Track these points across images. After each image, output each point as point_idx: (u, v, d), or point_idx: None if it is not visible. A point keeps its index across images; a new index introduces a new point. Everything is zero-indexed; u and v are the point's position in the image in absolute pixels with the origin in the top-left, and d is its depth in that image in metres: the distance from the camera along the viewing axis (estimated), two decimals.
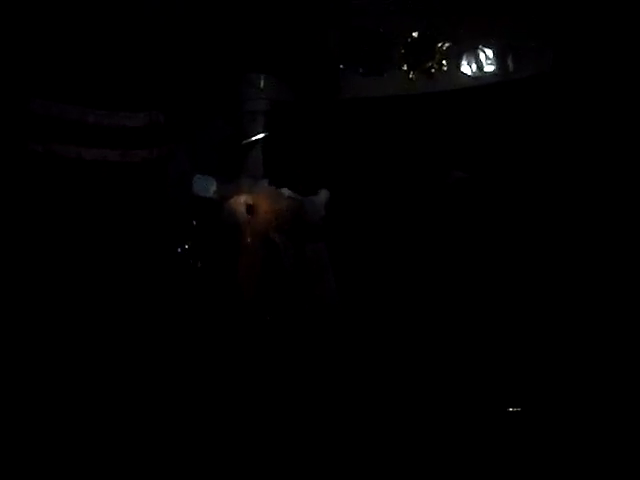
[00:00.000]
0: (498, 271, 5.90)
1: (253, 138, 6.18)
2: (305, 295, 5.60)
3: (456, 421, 4.91)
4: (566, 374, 5.20)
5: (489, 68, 6.24)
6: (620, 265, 5.66)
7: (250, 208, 5.80)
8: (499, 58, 6.21)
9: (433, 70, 6.28)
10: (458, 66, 6.29)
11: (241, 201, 5.85)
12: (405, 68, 6.33)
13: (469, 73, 6.28)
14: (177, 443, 4.78)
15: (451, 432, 4.82)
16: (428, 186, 5.76)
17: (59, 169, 6.06)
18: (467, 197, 5.65)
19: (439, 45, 6.25)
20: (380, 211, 6.25)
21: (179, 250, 5.93)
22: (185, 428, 4.86)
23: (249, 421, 4.92)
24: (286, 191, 5.79)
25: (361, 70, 6.41)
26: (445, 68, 6.28)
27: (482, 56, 6.23)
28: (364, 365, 5.58)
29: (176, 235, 5.98)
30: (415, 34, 6.27)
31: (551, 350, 5.44)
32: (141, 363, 5.45)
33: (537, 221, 6.05)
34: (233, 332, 5.46)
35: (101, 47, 6.10)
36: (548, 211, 6.00)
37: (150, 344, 5.60)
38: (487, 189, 6.15)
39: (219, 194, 5.90)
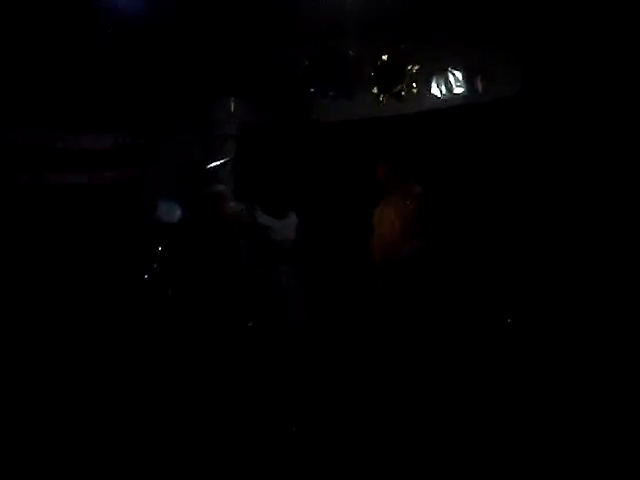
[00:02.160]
0: (458, 288, 5.90)
1: (215, 163, 6.19)
2: (276, 315, 5.59)
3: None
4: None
5: (458, 90, 6.27)
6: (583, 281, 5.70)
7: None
8: (468, 80, 6.23)
9: (403, 93, 6.30)
10: (428, 88, 6.33)
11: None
12: (375, 91, 6.35)
13: (439, 95, 6.31)
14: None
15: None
16: (398, 207, 5.73)
17: (27, 195, 6.05)
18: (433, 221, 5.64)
19: (408, 68, 6.27)
20: (350, 231, 6.26)
21: (146, 276, 5.92)
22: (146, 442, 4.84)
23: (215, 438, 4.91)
24: (258, 214, 5.78)
25: (331, 93, 6.42)
26: (415, 90, 6.31)
27: (451, 78, 6.25)
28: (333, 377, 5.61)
29: (143, 260, 5.97)
30: (385, 57, 6.29)
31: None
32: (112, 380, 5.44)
33: (501, 237, 6.08)
34: (200, 349, 5.47)
35: (67, 73, 6.11)
36: (514, 227, 6.03)
37: (117, 365, 5.58)
38: (457, 208, 6.15)
39: (196, 217, 5.92)
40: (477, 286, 6.06)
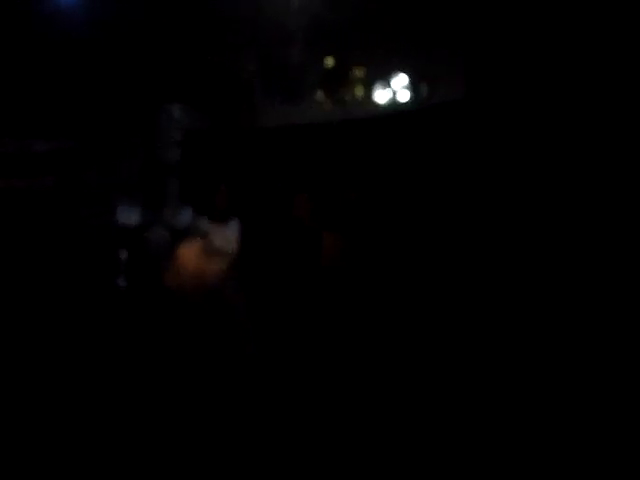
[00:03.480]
0: (406, 301, 5.88)
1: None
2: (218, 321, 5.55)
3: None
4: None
5: (403, 95, 6.27)
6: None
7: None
8: (412, 85, 6.24)
9: (347, 97, 6.30)
10: (373, 93, 6.33)
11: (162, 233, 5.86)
12: (320, 96, 6.34)
13: (384, 100, 6.31)
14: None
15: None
16: (343, 213, 5.73)
17: None
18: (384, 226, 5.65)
19: (353, 73, 6.27)
20: (294, 238, 6.21)
21: (118, 282, 5.86)
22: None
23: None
24: (200, 221, 5.74)
25: (276, 98, 6.41)
26: (360, 96, 6.31)
27: (396, 83, 6.26)
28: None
29: (106, 264, 5.92)
30: (330, 62, 6.29)
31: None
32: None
33: (449, 244, 6.06)
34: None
35: (7, 76, 6.06)
36: (463, 232, 6.01)
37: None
38: (402, 213, 6.13)
39: (142, 223, 5.87)
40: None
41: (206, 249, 5.61)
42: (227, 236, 5.74)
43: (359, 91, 6.28)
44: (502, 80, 6.04)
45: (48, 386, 5.32)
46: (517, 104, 5.99)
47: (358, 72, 6.26)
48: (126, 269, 5.94)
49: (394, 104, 6.24)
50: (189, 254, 5.69)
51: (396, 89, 6.22)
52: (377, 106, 6.29)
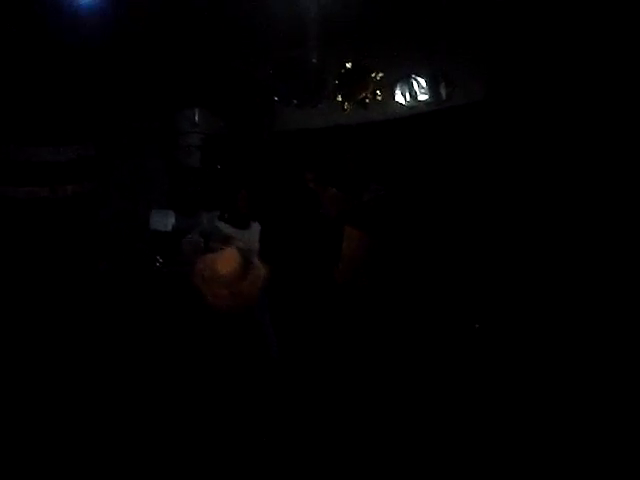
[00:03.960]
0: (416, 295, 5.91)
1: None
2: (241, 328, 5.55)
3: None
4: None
5: (423, 97, 6.28)
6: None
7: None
8: (432, 87, 6.25)
9: (367, 100, 6.30)
10: (392, 95, 6.33)
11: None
12: (339, 99, 6.34)
13: (403, 102, 6.32)
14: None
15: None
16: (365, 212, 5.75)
17: None
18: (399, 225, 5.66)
19: (372, 75, 6.27)
20: (314, 241, 6.23)
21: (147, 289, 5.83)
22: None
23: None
24: (222, 225, 5.72)
25: (295, 102, 6.39)
26: (379, 98, 6.31)
27: (415, 85, 6.27)
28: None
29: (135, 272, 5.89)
30: (348, 65, 6.28)
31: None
32: None
33: (468, 243, 6.11)
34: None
35: (25, 84, 6.01)
36: (481, 235, 6.06)
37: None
38: (422, 216, 6.16)
39: (178, 228, 5.82)
40: (444, 290, 6.08)
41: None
42: (249, 240, 5.73)
43: (378, 93, 6.28)
44: (523, 81, 6.11)
45: (68, 389, 5.34)
46: (538, 106, 6.06)
47: (377, 74, 6.26)
48: (157, 277, 5.92)
49: (414, 106, 6.26)
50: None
51: (415, 91, 6.25)
52: (397, 108, 6.30)
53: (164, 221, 5.97)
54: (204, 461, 4.75)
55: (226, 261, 5.15)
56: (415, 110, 6.32)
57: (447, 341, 5.79)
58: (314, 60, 6.33)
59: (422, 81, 6.26)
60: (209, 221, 5.78)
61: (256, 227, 5.93)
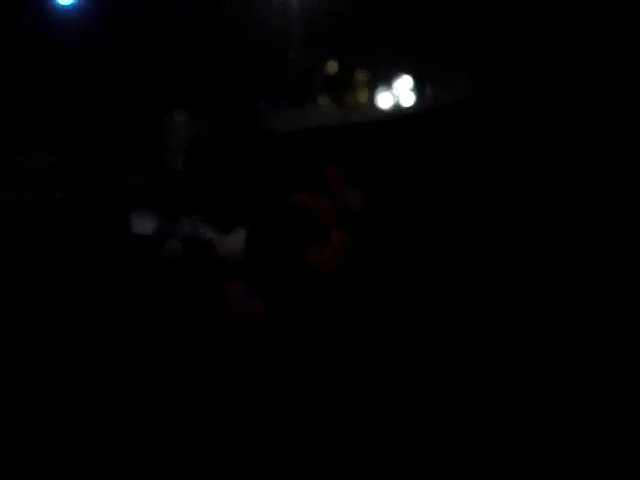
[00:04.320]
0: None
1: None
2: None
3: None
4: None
5: (407, 98, 6.28)
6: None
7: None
8: (417, 87, 6.25)
9: (351, 101, 6.30)
10: (376, 96, 6.33)
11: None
12: (324, 100, 6.33)
13: (388, 103, 6.31)
14: None
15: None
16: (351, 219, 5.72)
17: None
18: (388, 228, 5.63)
19: (357, 76, 6.27)
20: (300, 244, 6.22)
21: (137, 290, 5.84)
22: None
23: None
24: (204, 230, 5.75)
25: (280, 103, 6.39)
26: (364, 99, 6.30)
27: (400, 86, 6.26)
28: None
29: (117, 278, 5.90)
30: (333, 66, 6.28)
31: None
32: None
33: (457, 248, 6.08)
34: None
35: (11, 86, 6.02)
36: (468, 236, 6.03)
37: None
38: (409, 215, 6.14)
39: (159, 232, 5.84)
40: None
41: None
42: (233, 245, 5.74)
43: (363, 95, 6.28)
44: (509, 81, 6.08)
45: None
46: (525, 105, 6.03)
47: (361, 75, 6.26)
48: (139, 283, 5.92)
49: (398, 107, 6.26)
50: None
51: (400, 92, 6.24)
52: (381, 109, 6.30)
53: (145, 225, 5.99)
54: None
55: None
56: (400, 111, 6.31)
57: (440, 345, 5.78)
58: (299, 61, 6.33)
59: (407, 81, 6.25)
60: (191, 225, 5.79)
61: (241, 231, 5.94)
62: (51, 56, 5.96)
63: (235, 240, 5.74)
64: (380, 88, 6.30)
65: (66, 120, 6.18)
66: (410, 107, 6.30)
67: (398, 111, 6.33)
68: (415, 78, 6.26)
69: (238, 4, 6.00)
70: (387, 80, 6.30)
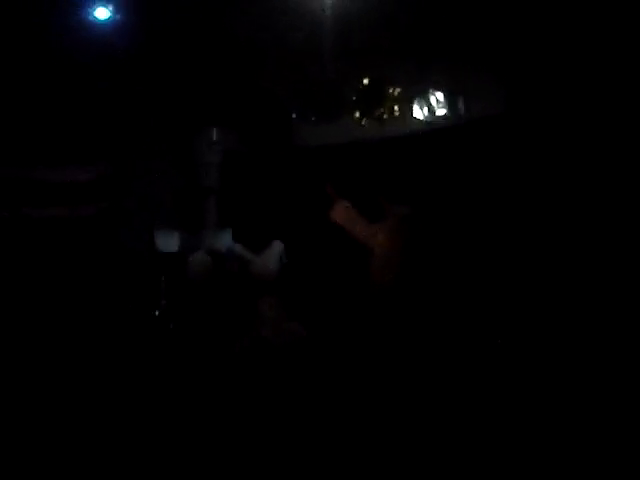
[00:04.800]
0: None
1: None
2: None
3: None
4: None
5: (441, 112, 6.28)
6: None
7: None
8: (450, 101, 6.26)
9: (385, 116, 6.31)
10: (410, 111, 6.33)
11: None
12: (357, 115, 6.34)
13: (421, 117, 6.32)
14: None
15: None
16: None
17: (8, 230, 5.98)
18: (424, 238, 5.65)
19: (390, 91, 6.27)
20: (334, 256, 6.25)
21: (156, 312, 5.84)
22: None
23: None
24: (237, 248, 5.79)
25: (313, 118, 6.40)
26: (397, 113, 6.32)
27: (433, 100, 6.27)
28: None
29: (146, 292, 5.89)
30: (366, 80, 6.30)
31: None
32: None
33: (491, 256, 6.10)
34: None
35: (45, 105, 6.05)
36: (502, 247, 6.06)
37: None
38: (445, 229, 6.14)
39: (183, 249, 5.86)
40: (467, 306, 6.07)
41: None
42: (265, 262, 5.77)
43: (396, 109, 6.29)
44: (544, 94, 6.10)
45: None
46: (556, 119, 6.06)
47: (394, 90, 6.27)
48: (167, 294, 5.93)
49: (432, 120, 6.27)
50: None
51: (433, 105, 6.25)
52: (415, 123, 6.31)
53: (170, 242, 6.00)
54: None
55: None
56: (433, 125, 6.32)
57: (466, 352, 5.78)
58: (332, 76, 6.35)
59: (440, 95, 6.26)
60: (218, 239, 5.82)
61: (276, 247, 5.95)
62: (86, 72, 5.99)
63: (269, 258, 5.77)
64: (413, 101, 6.30)
65: (100, 136, 6.22)
66: (443, 121, 6.31)
67: (431, 125, 6.34)
68: (447, 92, 6.26)
69: (272, 21, 6.01)
70: (420, 94, 6.30)
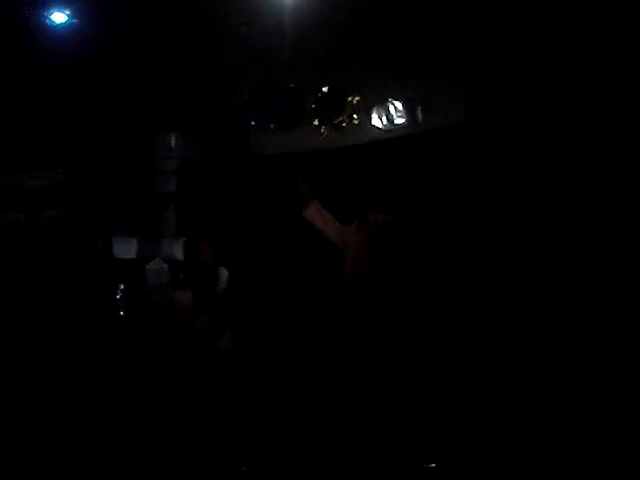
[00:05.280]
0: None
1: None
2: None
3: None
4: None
5: (399, 121, 6.30)
6: None
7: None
8: (409, 111, 6.28)
9: (344, 124, 6.30)
10: (369, 119, 6.34)
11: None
12: (316, 123, 6.33)
13: (380, 126, 6.33)
14: None
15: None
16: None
17: None
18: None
19: (349, 99, 6.28)
20: (293, 264, 6.24)
21: (121, 313, 5.77)
22: None
23: None
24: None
25: (272, 126, 6.38)
26: (356, 122, 6.32)
27: (392, 109, 6.29)
28: None
29: (99, 300, 5.82)
30: (325, 89, 6.29)
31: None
32: None
33: (451, 262, 6.13)
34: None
35: (3, 113, 5.97)
36: (461, 252, 6.10)
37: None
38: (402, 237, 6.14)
39: (141, 256, 5.78)
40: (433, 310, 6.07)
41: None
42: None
43: (355, 117, 6.29)
44: (503, 103, 6.15)
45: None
46: (513, 128, 6.12)
47: (354, 98, 6.27)
48: (124, 302, 5.87)
49: (391, 129, 6.28)
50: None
51: (392, 114, 6.27)
52: (374, 131, 6.32)
53: (127, 249, 5.92)
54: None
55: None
56: (392, 134, 6.33)
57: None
58: (291, 84, 6.33)
59: (399, 105, 6.28)
60: (174, 247, 5.77)
61: (223, 274, 6.00)
62: (43, 77, 5.90)
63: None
64: (373, 110, 6.32)
65: (58, 142, 6.13)
66: (401, 130, 6.33)
67: (389, 134, 6.35)
68: (406, 101, 6.28)
69: (231, 28, 5.97)
70: (380, 103, 6.31)
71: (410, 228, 5.69)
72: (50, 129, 6.05)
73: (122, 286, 5.76)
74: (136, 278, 5.82)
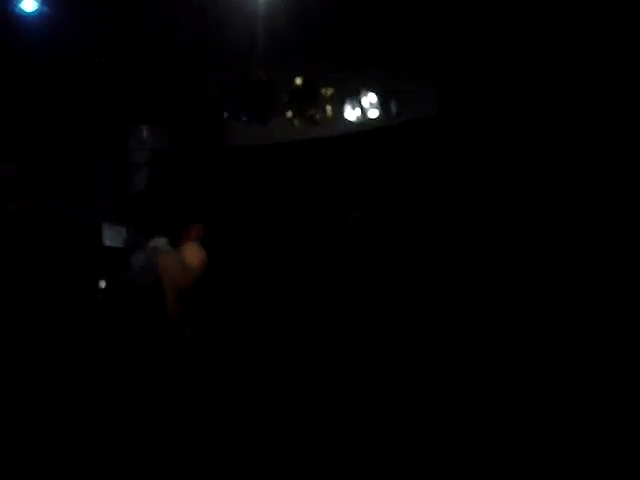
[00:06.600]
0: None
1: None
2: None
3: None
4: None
5: (372, 113, 6.29)
6: None
7: None
8: (382, 103, 6.27)
9: (317, 116, 6.29)
10: (342, 112, 6.33)
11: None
12: (289, 115, 6.32)
13: (353, 118, 6.32)
14: None
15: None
16: (313, 232, 5.75)
17: None
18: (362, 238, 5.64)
19: (322, 91, 6.27)
20: (264, 257, 6.20)
21: (99, 297, 5.71)
22: None
23: None
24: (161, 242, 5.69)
25: (244, 118, 6.35)
26: (329, 114, 6.31)
27: (365, 101, 6.27)
28: None
29: (86, 286, 5.77)
30: (298, 81, 6.27)
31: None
32: None
33: (426, 254, 6.12)
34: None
35: None
36: (434, 245, 6.09)
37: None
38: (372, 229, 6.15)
39: (129, 244, 5.73)
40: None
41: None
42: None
43: (329, 109, 6.28)
44: (472, 97, 6.15)
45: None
46: (487, 121, 6.12)
47: (327, 91, 6.26)
48: (103, 292, 5.83)
49: (364, 122, 6.27)
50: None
51: (365, 107, 6.26)
52: (347, 124, 6.31)
53: (117, 237, 5.87)
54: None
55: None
56: (365, 126, 6.32)
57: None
58: (264, 77, 6.31)
59: (372, 97, 6.26)
60: (157, 238, 5.72)
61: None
62: (14, 66, 5.83)
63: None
64: (346, 103, 6.30)
65: (25, 133, 6.07)
66: (375, 122, 6.32)
67: (362, 127, 6.34)
68: (380, 93, 6.27)
69: (203, 22, 5.93)
70: (353, 95, 6.30)
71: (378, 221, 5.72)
72: (17, 119, 5.98)
73: (104, 275, 5.73)
74: (118, 265, 5.79)
